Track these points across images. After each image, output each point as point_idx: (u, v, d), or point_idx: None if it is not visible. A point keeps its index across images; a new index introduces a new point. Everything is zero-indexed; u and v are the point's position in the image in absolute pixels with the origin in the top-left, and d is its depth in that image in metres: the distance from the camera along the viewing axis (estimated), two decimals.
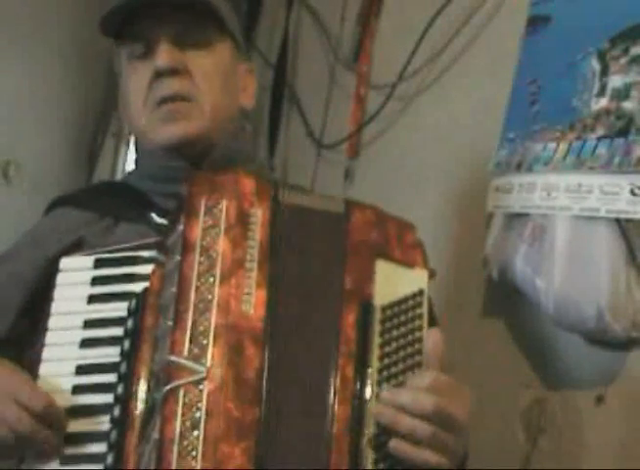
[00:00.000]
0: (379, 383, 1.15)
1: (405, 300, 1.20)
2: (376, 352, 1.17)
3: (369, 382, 1.15)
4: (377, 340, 1.17)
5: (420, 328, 1.19)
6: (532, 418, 1.68)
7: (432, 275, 1.24)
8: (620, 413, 1.56)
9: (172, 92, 1.37)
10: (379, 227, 1.23)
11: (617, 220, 1.49)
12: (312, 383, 1.15)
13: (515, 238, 1.65)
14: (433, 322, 1.26)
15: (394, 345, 1.18)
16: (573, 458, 1.61)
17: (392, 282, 1.21)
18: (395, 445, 1.12)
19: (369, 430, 1.13)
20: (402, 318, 1.19)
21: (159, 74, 1.37)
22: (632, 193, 1.45)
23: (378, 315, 1.18)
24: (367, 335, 1.17)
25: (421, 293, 1.21)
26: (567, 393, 1.64)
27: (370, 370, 1.16)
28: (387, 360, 1.17)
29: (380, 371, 1.16)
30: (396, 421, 1.12)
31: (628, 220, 1.47)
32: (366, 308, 1.18)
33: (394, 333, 1.18)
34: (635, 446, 1.53)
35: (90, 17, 2.32)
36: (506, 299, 1.74)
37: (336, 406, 1.13)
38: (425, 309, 1.21)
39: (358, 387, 1.15)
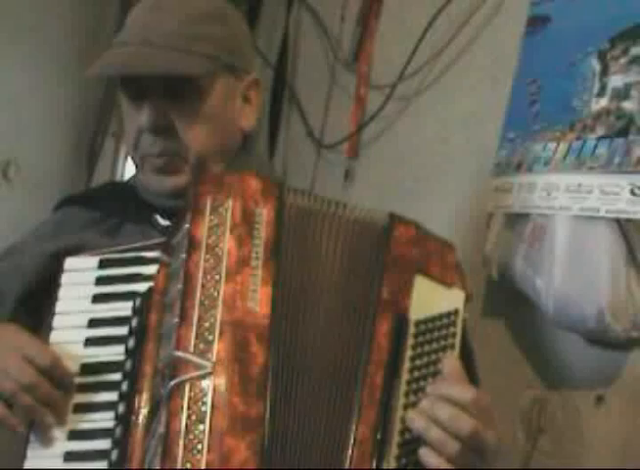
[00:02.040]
0: (406, 394, 1.16)
1: (440, 317, 1.21)
2: (406, 364, 1.18)
3: (397, 392, 1.16)
4: (408, 352, 1.18)
5: (452, 346, 1.20)
6: (532, 418, 1.68)
7: (468, 298, 1.24)
8: (620, 413, 1.56)
9: (156, 151, 1.38)
10: (421, 244, 1.24)
11: (617, 220, 1.49)
12: (336, 384, 1.16)
13: (515, 238, 1.65)
14: (466, 345, 1.27)
15: (425, 359, 1.18)
16: (573, 458, 1.61)
17: (429, 299, 1.22)
18: (423, 453, 1.12)
19: (393, 438, 1.14)
20: (435, 334, 1.20)
21: (143, 131, 1.37)
22: (632, 193, 1.45)
23: (412, 329, 1.19)
24: (400, 346, 1.18)
25: (456, 312, 1.22)
26: (567, 393, 1.64)
27: (399, 381, 1.17)
28: (416, 373, 1.17)
29: (408, 383, 1.17)
30: (427, 431, 1.12)
31: (628, 220, 1.48)
32: (401, 320, 1.19)
33: (426, 348, 1.19)
34: (635, 446, 1.53)
35: (90, 18, 2.34)
36: (506, 299, 1.74)
37: (361, 411, 1.14)
38: (459, 329, 1.21)
39: (386, 395, 1.15)
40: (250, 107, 1.46)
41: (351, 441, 1.13)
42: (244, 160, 1.47)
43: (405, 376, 1.17)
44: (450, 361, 1.18)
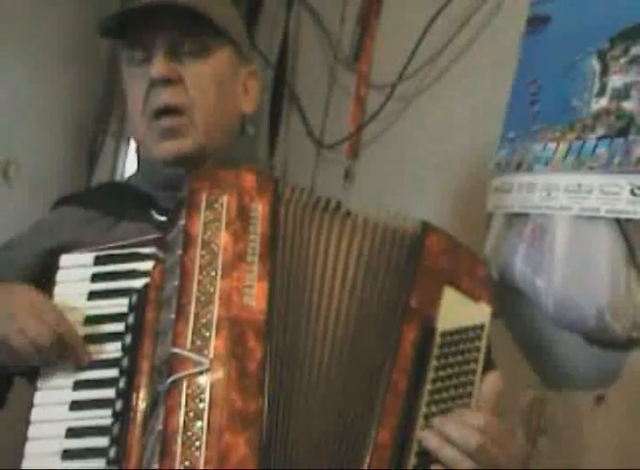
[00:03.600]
0: (427, 404, 1.17)
1: (466, 330, 1.21)
2: (430, 374, 1.18)
3: (420, 401, 1.16)
4: (433, 363, 1.18)
5: (475, 360, 1.21)
6: (532, 418, 1.68)
7: (493, 315, 1.25)
8: (620, 413, 1.55)
9: (164, 103, 1.38)
10: (452, 255, 1.25)
11: (617, 220, 1.48)
12: (348, 383, 1.16)
13: (515, 238, 1.65)
14: (487, 362, 1.26)
15: (449, 371, 1.19)
16: (573, 458, 1.61)
17: (456, 311, 1.22)
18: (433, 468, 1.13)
19: (412, 447, 1.14)
20: (460, 347, 1.21)
21: (153, 84, 1.39)
22: (632, 193, 1.45)
23: (437, 339, 1.19)
24: (425, 355, 1.18)
25: (482, 327, 1.22)
26: (567, 393, 1.64)
27: (422, 390, 1.17)
28: (439, 384, 1.18)
29: (431, 393, 1.17)
30: (440, 450, 1.13)
31: (628, 220, 1.47)
32: (427, 330, 1.19)
33: (450, 360, 1.19)
34: (635, 446, 1.53)
35: (90, 16, 2.33)
36: (506, 299, 1.74)
37: (384, 414, 1.14)
38: (483, 344, 1.22)
39: (409, 402, 1.16)
40: (249, 97, 1.48)
41: (371, 444, 1.13)
42: (244, 145, 1.50)
43: (428, 386, 1.17)
44: (493, 378, 1.20)
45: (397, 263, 1.22)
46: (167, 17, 1.38)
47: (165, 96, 1.38)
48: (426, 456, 1.14)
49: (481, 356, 1.21)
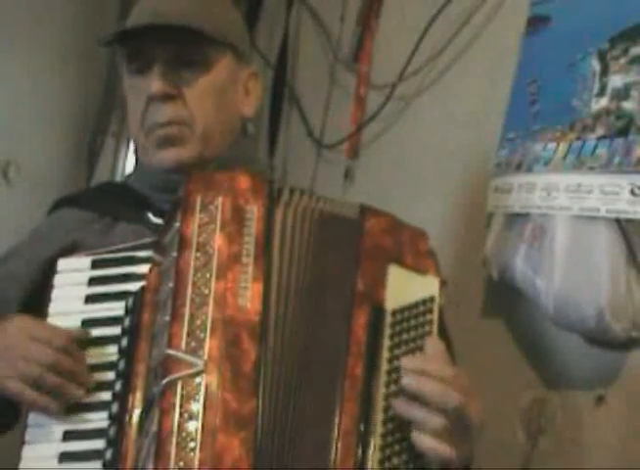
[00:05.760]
0: (387, 384, 1.17)
1: (416, 305, 1.22)
2: (385, 355, 1.18)
3: (378, 382, 1.17)
4: (386, 342, 1.19)
5: (429, 334, 1.21)
6: (532, 418, 1.68)
7: (443, 284, 1.25)
8: (620, 413, 1.56)
9: (165, 119, 1.38)
10: (393, 234, 1.25)
11: (617, 220, 1.48)
12: (317, 378, 1.16)
13: (515, 238, 1.65)
14: (443, 331, 1.27)
15: (404, 348, 1.19)
16: (573, 458, 1.61)
17: (404, 287, 1.22)
18: (413, 434, 1.13)
19: (377, 429, 1.15)
20: (412, 323, 1.21)
21: (152, 99, 1.38)
22: (632, 193, 1.45)
23: (388, 318, 1.20)
24: (377, 337, 1.18)
25: (432, 299, 1.23)
26: (567, 393, 1.64)
27: (379, 372, 1.17)
28: (396, 363, 1.18)
29: (388, 373, 1.18)
30: (421, 385, 1.13)
31: (628, 220, 1.47)
32: (377, 311, 1.20)
33: (404, 336, 1.20)
34: (635, 446, 1.53)
35: (90, 16, 2.34)
36: (506, 299, 1.74)
37: (343, 403, 1.15)
38: (435, 316, 1.22)
39: (367, 386, 1.16)
40: (249, 98, 1.48)
41: (335, 433, 1.13)
42: (244, 145, 1.50)
43: (385, 366, 1.18)
44: (432, 342, 1.19)
45: (340, 249, 1.23)
46: (165, 31, 1.37)
47: (165, 112, 1.38)
48: (391, 437, 1.15)
49: (434, 329, 1.22)
